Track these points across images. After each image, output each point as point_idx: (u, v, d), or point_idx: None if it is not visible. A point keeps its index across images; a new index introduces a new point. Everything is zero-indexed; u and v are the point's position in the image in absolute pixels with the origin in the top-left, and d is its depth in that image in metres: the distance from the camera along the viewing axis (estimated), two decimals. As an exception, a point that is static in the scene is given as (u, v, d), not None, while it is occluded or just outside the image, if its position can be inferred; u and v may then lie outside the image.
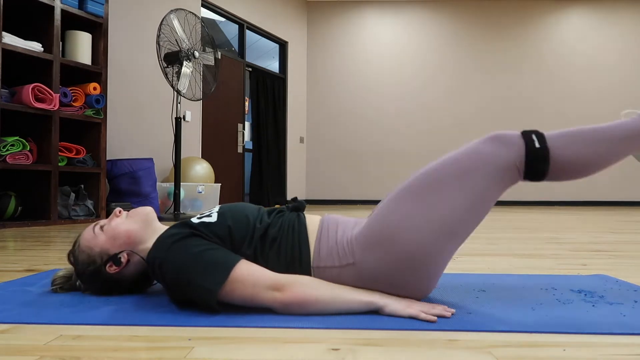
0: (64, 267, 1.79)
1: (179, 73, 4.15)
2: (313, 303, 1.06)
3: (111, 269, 1.20)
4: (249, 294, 1.06)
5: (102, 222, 1.26)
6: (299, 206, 1.27)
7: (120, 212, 1.26)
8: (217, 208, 1.24)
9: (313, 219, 1.22)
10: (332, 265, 1.13)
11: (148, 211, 1.26)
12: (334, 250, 1.13)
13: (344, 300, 1.07)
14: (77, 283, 1.28)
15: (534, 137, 1.13)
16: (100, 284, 1.23)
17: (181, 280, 1.08)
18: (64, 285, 1.30)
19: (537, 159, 1.11)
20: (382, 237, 1.10)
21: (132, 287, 1.26)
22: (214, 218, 1.19)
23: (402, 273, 1.09)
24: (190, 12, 4.31)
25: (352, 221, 1.22)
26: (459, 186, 1.10)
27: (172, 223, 3.66)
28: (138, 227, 1.23)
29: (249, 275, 1.07)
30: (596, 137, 1.14)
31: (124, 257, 1.20)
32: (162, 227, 1.28)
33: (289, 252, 1.15)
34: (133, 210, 1.28)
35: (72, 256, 1.25)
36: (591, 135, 1.15)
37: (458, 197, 1.10)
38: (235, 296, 1.06)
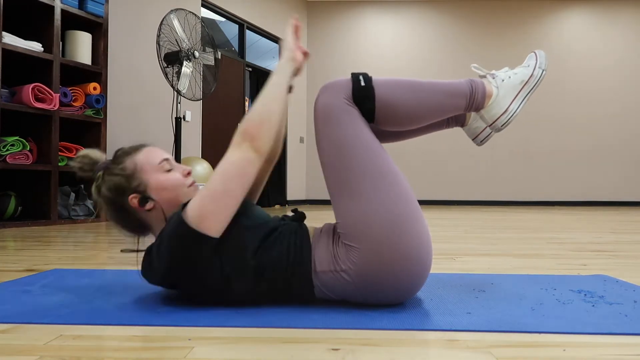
0: (63, 267, 1.78)
1: (179, 73, 4.15)
2: (265, 115, 1.13)
3: (133, 201, 1.17)
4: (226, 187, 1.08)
5: (171, 164, 1.23)
6: (299, 217, 1.26)
7: (189, 174, 1.24)
8: None
9: (311, 227, 1.22)
10: (329, 269, 1.12)
11: (196, 188, 1.25)
12: (328, 256, 1.13)
13: (271, 89, 1.17)
14: (91, 188, 1.23)
15: (360, 77, 1.19)
16: (111, 206, 1.20)
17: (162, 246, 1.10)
18: (85, 167, 1.24)
19: (362, 96, 1.18)
20: (353, 241, 1.10)
21: (132, 229, 1.23)
22: None
23: (390, 255, 1.08)
24: (190, 12, 4.31)
25: None
26: (345, 150, 1.15)
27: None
28: (183, 200, 1.20)
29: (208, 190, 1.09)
30: (420, 86, 1.23)
31: (150, 205, 1.17)
32: None
33: (291, 255, 1.13)
34: (196, 185, 1.25)
35: (117, 155, 1.21)
36: (416, 83, 1.23)
37: (357, 157, 1.14)
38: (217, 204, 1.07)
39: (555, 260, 2.01)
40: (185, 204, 1.13)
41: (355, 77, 1.20)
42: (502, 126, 1.30)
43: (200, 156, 5.95)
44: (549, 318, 1.06)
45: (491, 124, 1.30)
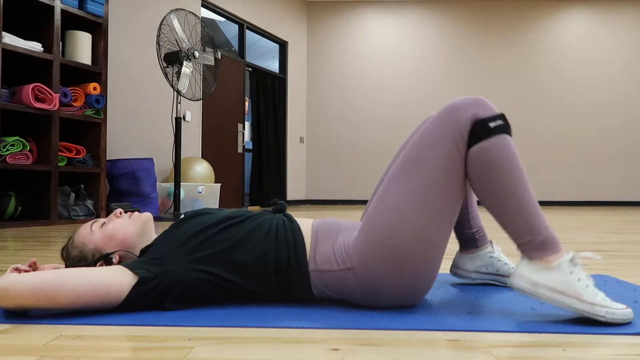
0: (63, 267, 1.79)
1: (179, 73, 4.15)
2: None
3: (102, 266, 1.19)
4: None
5: (101, 220, 1.26)
6: (281, 208, 1.25)
7: (121, 213, 1.26)
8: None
9: (305, 223, 1.21)
10: (331, 269, 1.11)
11: (147, 218, 1.26)
12: (332, 255, 1.12)
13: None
14: None
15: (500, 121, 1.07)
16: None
17: None
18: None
19: (482, 132, 1.05)
20: (378, 240, 1.08)
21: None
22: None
23: (402, 272, 1.08)
24: (190, 12, 4.31)
25: (350, 224, 1.21)
26: (430, 168, 1.08)
27: (172, 223, 3.66)
28: (136, 231, 1.23)
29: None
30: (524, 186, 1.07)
31: (115, 258, 1.19)
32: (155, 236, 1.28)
33: (283, 252, 1.12)
34: (136, 213, 1.27)
35: (65, 251, 1.24)
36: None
37: (433, 178, 1.07)
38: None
39: (555, 260, 2.00)
40: (144, 249, 1.17)
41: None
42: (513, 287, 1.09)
43: (200, 156, 5.95)
44: (549, 318, 1.06)
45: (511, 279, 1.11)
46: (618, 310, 0.99)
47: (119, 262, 1.20)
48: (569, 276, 1.01)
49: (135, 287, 1.06)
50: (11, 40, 3.51)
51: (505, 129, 1.06)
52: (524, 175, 1.07)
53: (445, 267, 1.82)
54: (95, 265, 1.19)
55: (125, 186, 4.33)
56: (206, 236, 1.14)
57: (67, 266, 1.24)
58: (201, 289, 1.11)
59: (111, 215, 1.27)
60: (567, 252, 1.04)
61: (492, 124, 1.06)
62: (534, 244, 1.04)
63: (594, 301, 0.99)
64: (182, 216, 1.23)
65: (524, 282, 1.04)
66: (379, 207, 1.11)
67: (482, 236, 1.41)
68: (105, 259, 1.19)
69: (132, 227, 1.23)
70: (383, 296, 1.11)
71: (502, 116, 1.08)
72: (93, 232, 1.22)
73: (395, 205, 1.09)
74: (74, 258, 1.22)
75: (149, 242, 1.24)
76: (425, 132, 1.11)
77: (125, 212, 1.28)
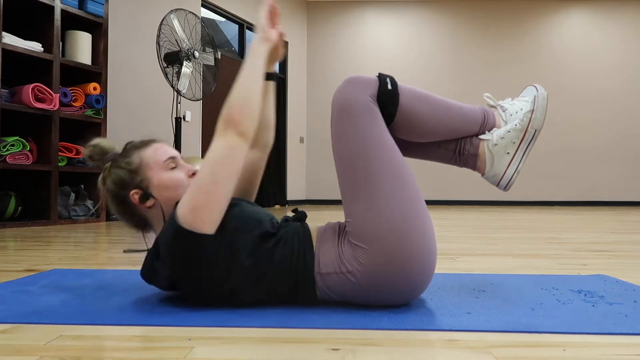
0: (63, 267, 1.79)
1: (179, 73, 4.15)
2: (243, 99, 1.11)
3: (134, 196, 1.18)
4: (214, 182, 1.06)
5: (178, 162, 1.22)
6: (301, 217, 1.25)
7: (194, 174, 1.23)
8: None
9: (314, 227, 1.20)
10: (334, 271, 1.11)
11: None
12: (333, 257, 1.12)
13: (247, 72, 1.15)
14: (98, 178, 1.25)
15: (387, 80, 1.20)
16: (113, 198, 1.21)
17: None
18: (95, 156, 1.26)
19: (387, 99, 1.18)
20: (363, 241, 1.09)
21: (134, 223, 1.24)
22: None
23: (399, 262, 1.08)
24: (190, 12, 4.31)
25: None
26: (366, 148, 1.13)
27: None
28: (180, 196, 1.19)
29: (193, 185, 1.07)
30: (440, 103, 1.26)
31: (150, 202, 1.18)
32: None
33: (294, 258, 1.11)
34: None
35: (115, 160, 1.21)
36: (436, 99, 1.26)
37: (379, 157, 1.13)
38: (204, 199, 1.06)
39: (555, 260, 2.01)
40: (178, 202, 1.12)
41: (382, 78, 1.20)
42: (506, 188, 1.33)
43: (200, 156, 5.95)
44: (549, 318, 1.06)
45: (497, 185, 1.33)
46: (528, 101, 1.32)
47: (150, 206, 1.19)
48: (497, 158, 1.30)
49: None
50: (11, 40, 3.51)
51: (392, 79, 1.20)
52: (435, 98, 1.25)
53: (444, 267, 1.82)
54: (130, 189, 1.18)
55: (125, 186, 4.33)
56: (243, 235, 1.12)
57: (102, 172, 1.22)
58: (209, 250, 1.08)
59: (188, 165, 1.24)
60: (499, 112, 1.35)
61: (389, 87, 1.19)
62: (484, 127, 1.31)
63: (520, 128, 1.28)
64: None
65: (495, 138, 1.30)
66: (363, 218, 1.11)
67: (471, 163, 1.37)
68: (144, 196, 1.18)
69: (183, 192, 1.19)
70: (387, 291, 1.10)
71: (380, 76, 1.20)
72: (160, 167, 1.20)
73: (373, 213, 1.09)
74: (119, 171, 1.19)
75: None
76: (345, 141, 1.15)
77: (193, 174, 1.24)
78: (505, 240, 2.78)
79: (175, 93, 4.24)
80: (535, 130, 1.28)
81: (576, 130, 8.26)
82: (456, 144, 1.34)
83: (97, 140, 1.28)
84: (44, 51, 3.75)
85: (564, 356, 0.84)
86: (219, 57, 4.66)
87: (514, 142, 1.29)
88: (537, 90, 1.33)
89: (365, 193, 1.11)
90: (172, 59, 4.12)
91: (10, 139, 3.51)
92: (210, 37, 4.52)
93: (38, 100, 3.64)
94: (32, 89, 3.57)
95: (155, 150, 1.22)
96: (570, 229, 3.56)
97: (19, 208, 3.68)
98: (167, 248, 1.08)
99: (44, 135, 3.76)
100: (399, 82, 1.23)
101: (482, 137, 1.32)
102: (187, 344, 0.89)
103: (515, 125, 1.29)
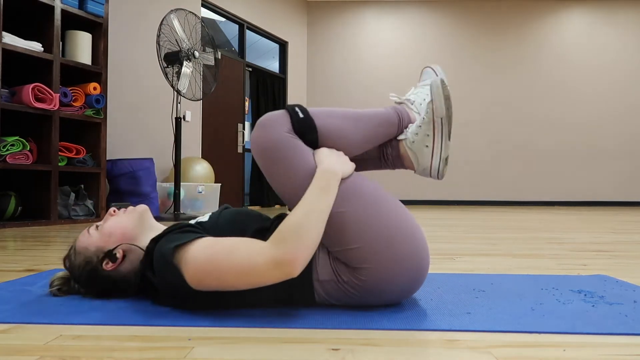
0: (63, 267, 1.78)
1: (179, 73, 4.15)
2: (314, 241, 1.01)
3: (107, 266, 1.18)
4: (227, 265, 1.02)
5: (97, 223, 1.26)
6: None
7: (114, 211, 1.26)
8: (217, 210, 1.24)
9: None
10: (331, 279, 1.11)
11: (143, 209, 1.26)
12: (329, 268, 1.12)
13: (323, 211, 1.06)
14: (76, 286, 1.26)
15: (297, 109, 1.20)
16: (98, 285, 1.21)
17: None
18: (62, 288, 1.27)
19: (304, 127, 1.18)
20: (361, 263, 1.09)
21: (130, 288, 1.22)
22: (206, 217, 1.21)
23: (398, 271, 1.09)
24: (190, 12, 4.31)
25: None
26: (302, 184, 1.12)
27: (172, 223, 3.65)
28: (133, 223, 1.23)
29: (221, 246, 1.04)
30: (355, 115, 1.26)
31: (119, 253, 1.19)
32: (158, 225, 1.28)
33: None
34: (130, 207, 1.28)
35: (68, 261, 1.24)
36: (349, 112, 1.26)
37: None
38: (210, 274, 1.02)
39: (555, 260, 2.01)
40: (155, 239, 1.14)
41: (291, 109, 1.19)
42: (439, 177, 1.33)
43: (200, 156, 5.95)
44: (549, 318, 1.06)
45: (430, 177, 1.34)
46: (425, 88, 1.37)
47: (123, 257, 1.19)
48: (419, 153, 1.31)
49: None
50: (11, 40, 3.51)
51: (301, 107, 1.20)
52: (346, 111, 1.26)
53: (444, 267, 1.82)
54: (101, 266, 1.19)
55: (125, 186, 4.33)
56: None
57: (73, 275, 1.24)
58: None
59: (106, 215, 1.27)
60: (408, 105, 1.38)
61: (301, 115, 1.18)
62: (402, 126, 1.32)
63: (428, 119, 1.28)
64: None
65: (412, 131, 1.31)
66: (350, 247, 1.10)
67: (400, 164, 1.40)
68: (110, 256, 1.18)
69: (129, 221, 1.23)
70: (385, 295, 1.11)
71: (288, 107, 1.19)
72: (91, 235, 1.22)
73: (362, 242, 1.09)
74: (79, 265, 1.21)
75: (151, 230, 1.24)
76: (288, 183, 1.14)
77: (119, 209, 1.28)
78: (505, 240, 2.78)
79: (175, 93, 4.24)
80: (441, 118, 1.28)
81: (576, 130, 8.26)
82: (379, 150, 1.37)
83: (55, 276, 1.29)
84: (44, 51, 3.75)
85: (564, 356, 0.84)
86: (219, 57, 4.66)
87: (428, 135, 1.29)
88: (434, 76, 1.35)
89: (341, 226, 1.10)
90: (172, 59, 4.12)
91: (10, 139, 3.51)
92: (210, 37, 4.52)
93: (38, 100, 3.64)
94: (32, 88, 3.57)
95: (79, 239, 1.25)
96: (570, 229, 3.56)
97: (19, 208, 3.68)
98: (162, 282, 1.10)
99: (44, 135, 3.76)
100: (308, 107, 1.24)
101: (399, 137, 1.33)
102: (187, 344, 0.89)
103: (423, 118, 1.30)
